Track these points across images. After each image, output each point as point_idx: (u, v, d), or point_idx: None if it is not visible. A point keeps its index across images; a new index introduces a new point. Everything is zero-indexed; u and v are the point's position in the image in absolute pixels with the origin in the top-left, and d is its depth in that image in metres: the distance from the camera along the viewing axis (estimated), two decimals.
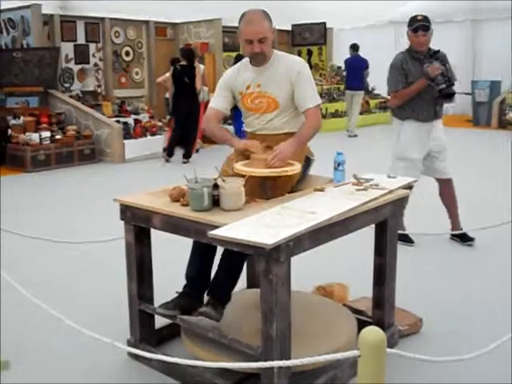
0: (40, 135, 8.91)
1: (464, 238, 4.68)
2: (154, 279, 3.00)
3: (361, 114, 12.78)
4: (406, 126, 4.65)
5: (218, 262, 2.82)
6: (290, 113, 2.99)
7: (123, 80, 12.63)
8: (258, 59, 2.92)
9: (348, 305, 3.28)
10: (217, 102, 3.09)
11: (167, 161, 9.30)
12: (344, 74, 13.19)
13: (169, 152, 9.36)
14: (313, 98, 2.94)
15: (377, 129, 13.03)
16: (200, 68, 9.68)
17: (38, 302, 2.50)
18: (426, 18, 4.42)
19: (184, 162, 9.17)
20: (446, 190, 4.72)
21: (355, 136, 12.06)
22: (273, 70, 2.94)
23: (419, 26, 4.39)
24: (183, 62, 9.17)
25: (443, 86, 4.34)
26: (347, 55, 12.62)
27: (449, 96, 4.40)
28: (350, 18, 15.09)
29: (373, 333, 1.43)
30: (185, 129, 9.20)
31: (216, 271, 2.83)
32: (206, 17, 12.76)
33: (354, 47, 12.31)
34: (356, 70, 12.11)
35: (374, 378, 1.41)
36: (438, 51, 4.50)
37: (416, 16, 4.49)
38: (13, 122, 9.17)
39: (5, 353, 2.96)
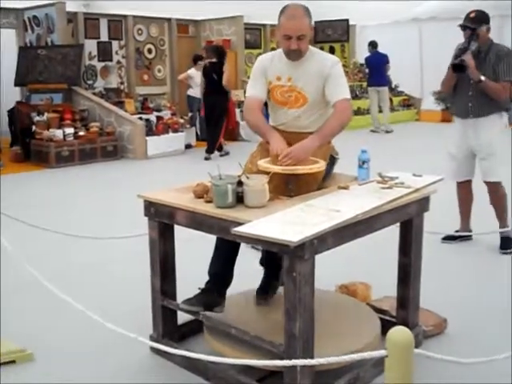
0: (63, 132, 8.99)
1: (505, 245, 4.51)
2: (177, 275, 3.00)
3: (381, 111, 12.70)
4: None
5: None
6: (317, 111, 2.96)
7: (145, 77, 12.69)
8: (294, 55, 2.87)
9: (371, 304, 3.25)
10: (256, 90, 3.00)
11: (209, 157, 9.36)
12: (365, 68, 13.15)
13: (208, 149, 9.47)
14: (343, 91, 2.88)
15: (400, 126, 12.94)
16: (227, 65, 9.75)
17: (63, 296, 2.52)
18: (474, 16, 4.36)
19: (206, 158, 9.21)
20: (490, 193, 4.55)
21: (391, 131, 12.28)
22: (306, 66, 2.90)
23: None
24: (213, 59, 9.22)
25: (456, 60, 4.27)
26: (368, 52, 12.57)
27: (457, 67, 4.28)
28: (373, 14, 14.97)
29: (400, 333, 1.42)
30: (210, 124, 9.26)
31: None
32: (228, 14, 12.77)
33: (373, 44, 12.39)
34: (377, 66, 12.19)
35: (401, 378, 1.40)
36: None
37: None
38: (37, 118, 9.26)
39: (29, 345, 2.99)
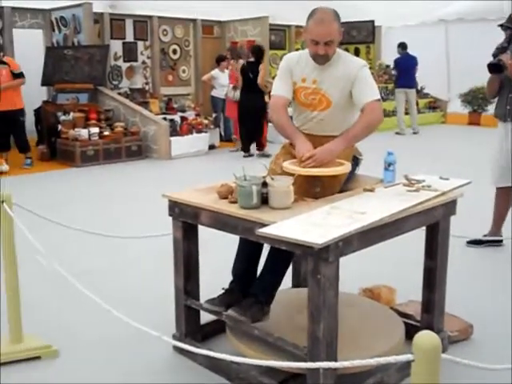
0: (89, 131, 9.08)
1: None
2: (200, 275, 3.01)
3: (407, 113, 12.61)
4: None
5: (264, 260, 2.81)
6: (341, 115, 2.93)
7: (170, 78, 12.77)
8: (321, 60, 2.84)
9: (395, 308, 3.22)
10: (282, 89, 2.97)
11: (247, 155, 9.56)
12: (393, 72, 13.05)
13: (244, 148, 9.62)
14: (372, 93, 2.84)
15: (426, 129, 12.82)
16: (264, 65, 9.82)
17: (89, 293, 2.54)
18: None
19: (259, 155, 9.40)
20: None
21: (417, 132, 12.29)
22: (332, 69, 2.86)
23: None
24: (251, 59, 9.32)
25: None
26: (396, 54, 12.48)
27: (494, 67, 4.18)
28: (399, 16, 14.87)
29: (427, 337, 1.39)
30: (251, 123, 9.32)
31: (262, 270, 2.82)
32: (253, 15, 12.78)
33: (403, 46, 12.32)
34: (407, 68, 12.13)
35: (428, 383, 1.38)
36: None
37: None
38: (63, 117, 9.36)
39: (55, 342, 3.03)
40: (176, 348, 2.99)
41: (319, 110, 2.93)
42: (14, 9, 10.63)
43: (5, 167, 8.27)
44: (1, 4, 10.45)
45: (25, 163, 8.66)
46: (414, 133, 12.35)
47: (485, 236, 4.67)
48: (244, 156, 9.50)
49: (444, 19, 15.28)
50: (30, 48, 10.84)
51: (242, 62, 9.94)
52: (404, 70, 12.16)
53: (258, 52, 9.33)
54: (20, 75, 8.35)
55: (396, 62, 12.48)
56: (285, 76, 2.98)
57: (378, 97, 2.87)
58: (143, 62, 12.32)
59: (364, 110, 2.82)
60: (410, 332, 2.85)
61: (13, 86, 8.23)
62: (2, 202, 2.88)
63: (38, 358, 2.95)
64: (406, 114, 12.68)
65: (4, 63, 8.28)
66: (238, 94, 9.82)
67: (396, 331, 2.82)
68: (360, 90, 2.83)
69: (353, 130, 2.84)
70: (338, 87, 2.86)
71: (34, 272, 3.90)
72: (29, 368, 2.89)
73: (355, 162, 3.03)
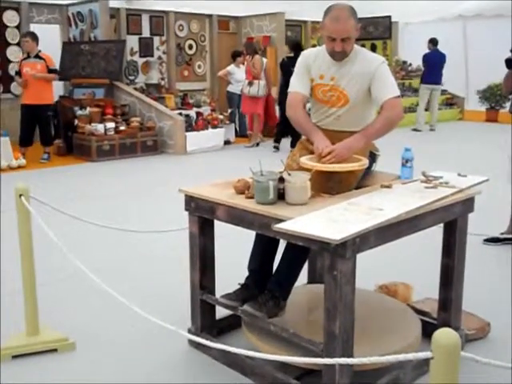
0: (105, 126, 9.12)
1: None
2: (216, 270, 3.01)
3: (426, 110, 12.52)
4: None
5: (281, 256, 2.81)
6: (358, 112, 2.92)
7: (186, 73, 12.79)
8: (338, 56, 2.82)
9: (412, 305, 3.20)
10: (300, 86, 2.96)
11: (276, 148, 9.68)
12: (409, 67, 12.95)
13: (276, 139, 9.76)
14: (392, 90, 2.82)
15: (443, 126, 12.72)
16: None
17: (105, 287, 2.55)
18: None
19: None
20: None
21: (434, 130, 12.25)
22: (350, 66, 2.85)
23: None
24: (291, 54, 9.32)
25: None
26: (413, 50, 12.41)
27: (510, 62, 4.10)
28: (416, 11, 14.74)
29: (447, 335, 1.38)
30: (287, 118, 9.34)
31: (278, 265, 2.81)
32: (269, 10, 12.75)
33: (433, 42, 12.17)
34: (435, 64, 12.00)
35: (447, 381, 1.37)
36: None
37: None
38: (79, 112, 9.41)
39: (71, 335, 3.05)
40: (191, 342, 3.00)
41: (337, 107, 2.92)
42: (31, 4, 10.70)
43: (22, 161, 8.35)
44: None
45: (42, 157, 8.74)
46: (431, 130, 12.27)
47: (502, 234, 4.63)
48: (274, 147, 9.61)
49: (462, 15, 15.13)
50: (46, 43, 10.85)
51: (258, 57, 9.92)
52: (432, 66, 12.02)
53: (297, 47, 9.29)
54: (55, 71, 8.64)
55: (425, 57, 12.29)
56: (302, 73, 2.97)
57: (398, 93, 2.85)
58: (159, 58, 12.35)
59: (384, 107, 2.81)
60: (427, 329, 2.84)
61: (45, 78, 8.44)
62: (20, 195, 2.90)
63: (54, 350, 2.98)
64: (426, 110, 12.59)
65: (41, 58, 8.44)
66: (253, 89, 9.80)
67: (413, 328, 2.80)
68: (380, 87, 2.81)
69: (373, 127, 2.83)
70: (356, 84, 2.85)
71: (51, 265, 3.94)
72: (45, 360, 2.91)
73: (372, 157, 3.02)
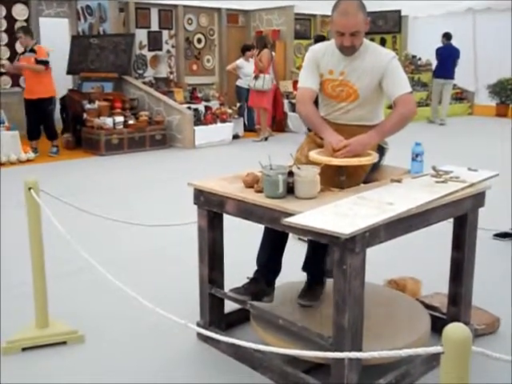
0: (114, 120, 9.13)
1: None
2: (225, 264, 3.01)
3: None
4: None
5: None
6: (368, 106, 2.90)
7: (195, 67, 12.78)
8: (348, 51, 2.81)
9: (421, 300, 3.19)
10: (309, 81, 2.94)
11: None
12: (418, 61, 12.88)
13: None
14: (404, 86, 2.80)
15: (453, 120, 12.66)
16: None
17: (115, 280, 2.55)
18: None
19: None
20: None
21: (444, 125, 12.23)
22: (360, 61, 2.83)
23: None
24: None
25: None
26: (422, 44, 12.35)
27: None
28: (425, 5, 14.64)
29: (458, 329, 1.37)
30: None
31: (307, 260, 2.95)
32: (279, 4, 12.71)
33: (447, 36, 12.17)
34: (448, 59, 12.01)
35: (457, 376, 1.36)
36: None
37: None
38: (88, 106, 9.43)
39: (80, 328, 3.06)
40: (200, 336, 3.00)
41: (347, 102, 2.91)
42: None
43: (32, 155, 8.37)
44: None
45: (51, 151, 8.76)
46: (441, 124, 12.24)
47: None
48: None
49: (471, 9, 15.01)
50: (55, 37, 10.92)
51: (266, 51, 9.90)
52: (444, 61, 12.04)
53: (322, 40, 9.29)
54: (42, 62, 8.38)
55: (438, 51, 12.28)
56: (311, 68, 2.95)
57: (410, 89, 2.83)
58: (168, 51, 12.34)
59: (397, 103, 2.79)
60: (436, 324, 2.84)
61: (28, 68, 8.31)
62: (30, 188, 2.90)
63: (63, 343, 2.99)
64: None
65: (34, 51, 8.40)
66: (258, 83, 9.77)
67: (422, 323, 2.79)
68: (391, 82, 2.79)
69: (387, 124, 2.81)
70: (366, 79, 2.83)
71: (60, 258, 3.95)
72: (54, 353, 2.93)
73: (381, 151, 3.00)
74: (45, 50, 8.53)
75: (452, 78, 12.26)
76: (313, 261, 2.96)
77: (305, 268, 3.02)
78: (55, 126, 8.94)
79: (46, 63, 8.44)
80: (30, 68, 8.36)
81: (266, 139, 10.15)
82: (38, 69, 8.38)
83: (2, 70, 10.26)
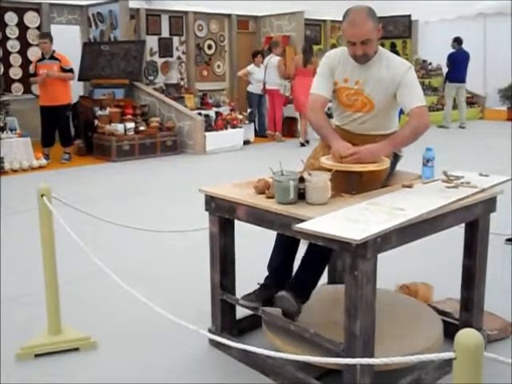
0: (125, 126, 9.18)
1: None
2: (236, 270, 3.01)
3: (454, 108, 12.60)
4: None
5: (302, 257, 2.80)
6: (383, 116, 2.90)
7: (205, 73, 12.82)
8: (361, 60, 2.79)
9: (433, 305, 3.18)
10: (322, 88, 2.93)
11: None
12: (429, 66, 12.87)
13: None
14: (419, 98, 2.79)
15: (466, 125, 12.59)
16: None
17: (126, 287, 2.56)
18: None
19: None
20: None
21: (464, 128, 12.34)
22: (375, 70, 2.81)
23: None
24: None
25: None
26: (432, 48, 12.36)
27: None
28: (436, 10, 14.60)
29: (470, 335, 1.37)
30: None
31: (299, 267, 2.81)
32: (289, 10, 12.73)
33: (458, 41, 12.27)
34: (460, 63, 12.12)
35: (470, 382, 1.36)
36: None
37: None
38: (99, 112, 9.49)
39: (93, 334, 3.07)
40: (212, 342, 3.01)
41: (362, 112, 2.90)
42: (51, 5, 10.82)
43: (44, 161, 8.43)
44: (39, 0, 10.64)
45: (63, 158, 8.81)
46: (461, 127, 12.36)
47: None
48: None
49: (482, 13, 14.96)
50: (67, 44, 10.95)
51: (297, 57, 10.14)
52: (457, 65, 12.14)
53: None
54: (70, 71, 8.64)
55: (450, 56, 12.35)
56: (326, 75, 2.93)
57: (424, 102, 2.81)
58: (178, 58, 12.40)
59: (411, 116, 2.77)
60: (449, 330, 2.83)
61: (60, 77, 8.47)
62: (42, 195, 2.93)
63: (76, 349, 3.01)
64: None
65: (56, 59, 8.48)
66: (288, 87, 10.22)
67: (434, 328, 2.78)
68: (407, 94, 2.77)
69: (400, 136, 2.80)
70: (381, 89, 2.81)
71: (73, 265, 3.97)
72: (67, 359, 2.94)
73: (395, 158, 3.00)
74: (67, 58, 8.65)
75: (465, 81, 12.37)
76: (304, 267, 2.81)
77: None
78: (71, 133, 9.04)
79: (72, 71, 8.72)
80: (65, 77, 8.53)
81: (308, 142, 10.14)
82: (70, 77, 8.67)
83: (15, 77, 10.36)
